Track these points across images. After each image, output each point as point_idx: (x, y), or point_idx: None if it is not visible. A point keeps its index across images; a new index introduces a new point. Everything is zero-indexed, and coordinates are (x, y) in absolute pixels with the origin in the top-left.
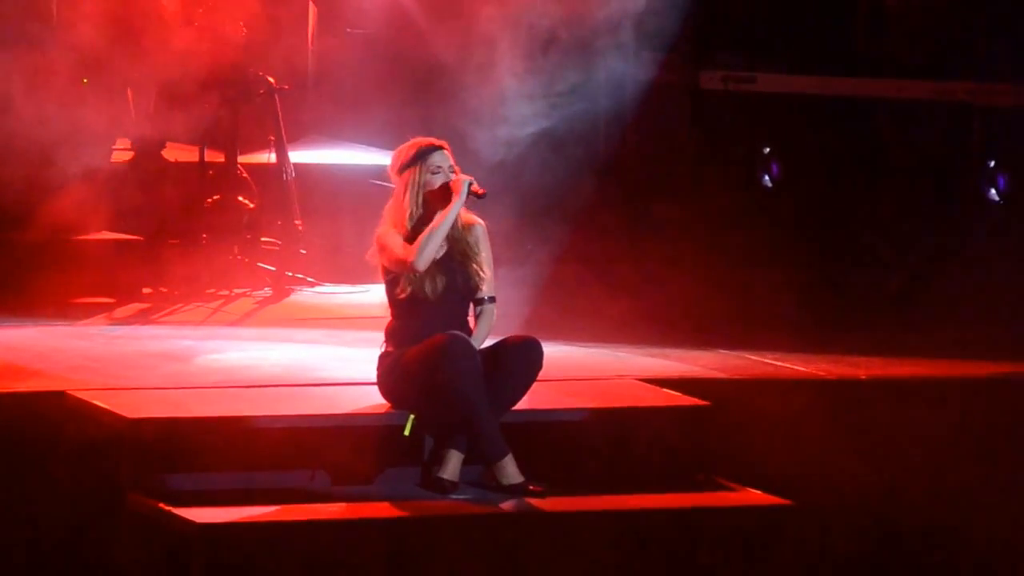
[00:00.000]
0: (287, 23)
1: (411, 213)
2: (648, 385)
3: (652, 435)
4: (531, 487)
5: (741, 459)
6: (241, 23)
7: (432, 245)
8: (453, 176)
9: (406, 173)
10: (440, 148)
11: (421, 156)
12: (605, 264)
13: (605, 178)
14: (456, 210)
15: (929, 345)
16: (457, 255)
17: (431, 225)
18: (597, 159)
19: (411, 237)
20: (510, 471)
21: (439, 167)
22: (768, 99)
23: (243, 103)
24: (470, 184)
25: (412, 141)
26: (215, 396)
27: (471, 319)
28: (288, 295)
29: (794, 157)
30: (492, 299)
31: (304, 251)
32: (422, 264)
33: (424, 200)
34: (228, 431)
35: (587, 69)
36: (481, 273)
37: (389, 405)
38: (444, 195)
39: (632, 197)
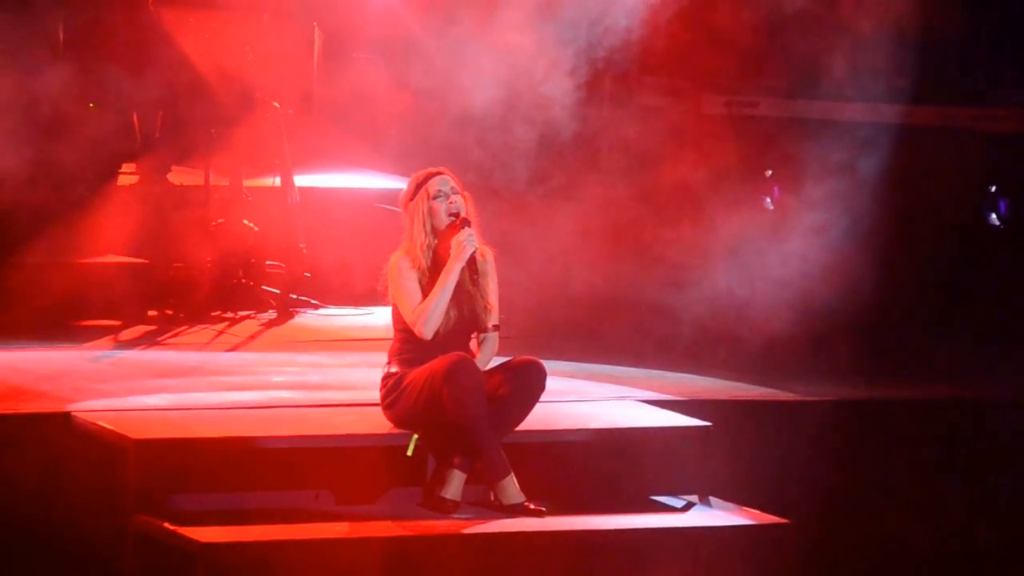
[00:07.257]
0: (293, 47)
1: (423, 244)
2: (649, 406)
3: (653, 455)
4: (532, 507)
5: (740, 479)
6: (247, 47)
7: (437, 314)
8: (456, 197)
9: (411, 206)
10: (437, 174)
11: (419, 185)
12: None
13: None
14: (456, 272)
15: (928, 368)
16: (467, 287)
17: (433, 292)
18: None
19: (429, 268)
20: (512, 491)
21: (439, 191)
22: (770, 123)
23: (248, 127)
24: (471, 236)
25: (412, 175)
26: (220, 417)
27: (474, 342)
28: (292, 318)
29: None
30: (496, 327)
31: (308, 274)
32: (429, 333)
33: (434, 229)
34: (233, 451)
35: None
36: (489, 306)
37: (392, 426)
38: (453, 231)
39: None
